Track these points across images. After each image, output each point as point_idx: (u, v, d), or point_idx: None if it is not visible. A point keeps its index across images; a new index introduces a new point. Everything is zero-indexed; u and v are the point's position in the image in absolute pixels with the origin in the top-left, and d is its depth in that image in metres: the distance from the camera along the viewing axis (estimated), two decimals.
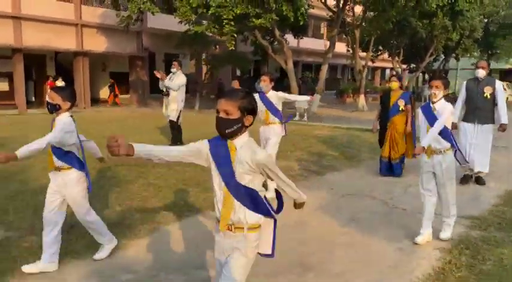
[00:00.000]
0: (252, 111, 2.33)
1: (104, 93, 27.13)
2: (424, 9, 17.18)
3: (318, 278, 3.60)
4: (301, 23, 16.11)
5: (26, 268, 3.61)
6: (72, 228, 4.36)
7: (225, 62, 24.19)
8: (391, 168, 7.36)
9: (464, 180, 6.88)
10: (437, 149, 4.25)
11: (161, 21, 23.76)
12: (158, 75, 9.21)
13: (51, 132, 3.53)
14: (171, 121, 9.44)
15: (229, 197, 2.29)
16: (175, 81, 9.18)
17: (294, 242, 4.34)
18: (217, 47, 25.33)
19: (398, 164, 7.32)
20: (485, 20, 28.64)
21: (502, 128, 6.61)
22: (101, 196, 5.57)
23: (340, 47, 42.76)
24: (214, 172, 2.34)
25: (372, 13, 21.06)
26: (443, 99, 4.28)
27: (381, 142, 7.55)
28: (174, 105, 9.28)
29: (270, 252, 2.49)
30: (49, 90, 3.79)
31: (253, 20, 13.91)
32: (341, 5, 18.13)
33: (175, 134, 9.51)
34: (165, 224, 4.80)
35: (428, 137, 4.15)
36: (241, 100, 2.29)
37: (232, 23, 13.88)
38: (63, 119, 3.63)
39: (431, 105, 4.32)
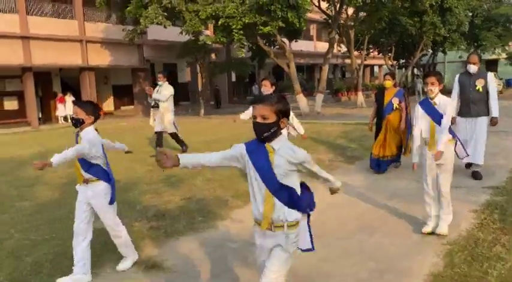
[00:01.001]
0: (286, 113, 2.45)
1: (108, 105, 27.83)
2: (416, 8, 18.22)
3: (375, 237, 4.48)
4: (304, 28, 17.05)
5: (61, 280, 3.69)
6: (98, 239, 4.37)
7: (226, 68, 25.09)
8: (378, 165, 7.36)
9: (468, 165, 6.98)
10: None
11: (161, 32, 24.54)
12: (148, 91, 9.48)
13: (80, 144, 3.69)
14: (169, 133, 9.65)
15: (270, 196, 2.38)
16: (163, 92, 9.31)
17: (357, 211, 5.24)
18: (216, 54, 26.17)
19: (388, 162, 7.38)
20: (470, 14, 29.88)
21: (493, 121, 6.67)
22: (189, 185, 6.42)
23: (326, 47, 44.05)
24: (253, 174, 2.43)
25: (363, 13, 22.12)
26: (440, 94, 4.45)
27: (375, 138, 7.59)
28: (168, 117, 9.44)
29: (310, 246, 2.63)
30: (72, 106, 3.99)
31: (261, 28, 14.85)
32: (337, 8, 19.09)
33: (177, 141, 9.78)
34: (236, 208, 5.66)
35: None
36: (277, 104, 2.40)
37: (241, 31, 14.80)
38: (89, 131, 3.78)
39: (430, 100, 4.45)
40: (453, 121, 5.93)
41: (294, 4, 14.26)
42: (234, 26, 14.73)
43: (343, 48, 30.55)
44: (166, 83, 9.53)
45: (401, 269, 3.67)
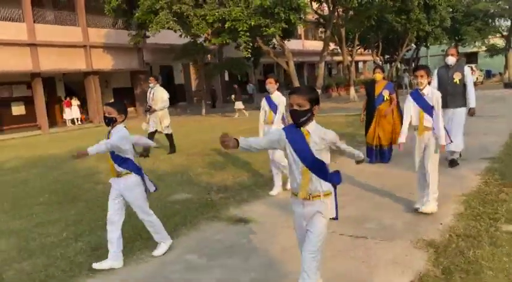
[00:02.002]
0: (317, 101, 2.77)
1: None
2: (406, 7, 19.62)
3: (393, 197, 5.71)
4: (304, 28, 18.28)
5: (96, 265, 4.01)
6: (130, 228, 4.83)
7: (224, 68, 26.22)
8: (381, 155, 7.69)
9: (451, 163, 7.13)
10: (428, 127, 4.90)
11: (160, 36, 25.53)
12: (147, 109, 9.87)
13: (111, 139, 4.00)
14: (166, 135, 10.00)
15: (306, 171, 2.75)
16: (161, 95, 9.70)
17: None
18: (213, 55, 27.23)
19: (388, 150, 7.72)
20: (451, 10, 31.52)
21: (471, 112, 7.04)
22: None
23: (317, 45, 45.48)
24: (291, 153, 2.78)
25: (351, 12, 23.44)
26: (428, 86, 4.91)
27: (367, 130, 7.87)
28: (167, 121, 9.84)
29: (335, 215, 2.91)
30: (104, 106, 4.29)
31: (266, 29, 16.05)
32: (331, 8, 20.39)
33: (171, 144, 10.15)
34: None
35: (442, 133, 4.83)
36: (309, 94, 2.75)
37: (247, 33, 15.98)
38: (120, 128, 4.08)
39: (419, 91, 4.91)
40: (472, 113, 6.95)
41: (296, 7, 15.48)
42: (240, 28, 15.89)
43: (331, 46, 31.94)
44: (158, 85, 9.86)
45: (429, 216, 4.86)
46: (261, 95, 31.41)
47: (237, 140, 2.66)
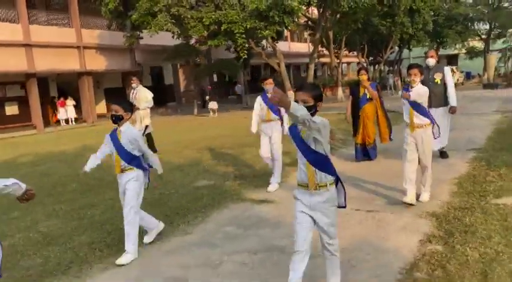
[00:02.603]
0: (321, 98, 2.91)
1: (100, 108, 29.01)
2: (392, 11, 20.56)
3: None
4: (295, 30, 19.03)
5: (146, 239, 4.49)
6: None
7: (216, 69, 26.83)
8: (366, 154, 7.96)
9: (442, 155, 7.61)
10: (419, 124, 5.11)
11: (153, 37, 26.06)
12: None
13: (145, 147, 4.34)
14: (145, 134, 9.69)
15: (309, 164, 2.91)
16: (144, 95, 9.83)
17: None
18: (204, 56, 27.77)
19: (373, 149, 7.98)
20: (432, 13, 32.74)
21: (452, 110, 7.35)
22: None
23: (303, 47, 46.44)
24: (296, 148, 3.01)
25: (339, 15, 24.28)
26: (420, 84, 5.17)
27: (355, 130, 8.08)
28: (147, 121, 9.91)
29: (344, 204, 3.07)
30: (111, 105, 4.39)
31: (261, 32, 16.75)
32: (320, 12, 21.23)
33: (151, 144, 9.89)
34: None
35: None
36: (314, 91, 2.90)
37: (243, 35, 16.66)
38: (129, 127, 4.31)
39: (410, 89, 5.13)
40: (454, 111, 7.23)
41: (289, 10, 16.23)
42: (236, 31, 16.56)
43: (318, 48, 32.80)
44: (141, 86, 9.98)
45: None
46: (250, 95, 32.31)
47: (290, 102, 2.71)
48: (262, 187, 6.53)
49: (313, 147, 2.88)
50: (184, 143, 11.38)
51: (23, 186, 2.72)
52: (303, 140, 2.91)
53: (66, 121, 24.44)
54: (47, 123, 25.07)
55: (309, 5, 19.21)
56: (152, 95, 10.02)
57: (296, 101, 2.83)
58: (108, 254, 4.33)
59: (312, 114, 2.81)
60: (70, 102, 24.14)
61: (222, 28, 16.72)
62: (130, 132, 4.24)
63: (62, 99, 24.26)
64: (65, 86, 26.64)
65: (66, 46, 23.56)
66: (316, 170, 2.91)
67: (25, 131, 21.67)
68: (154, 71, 32.62)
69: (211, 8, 17.30)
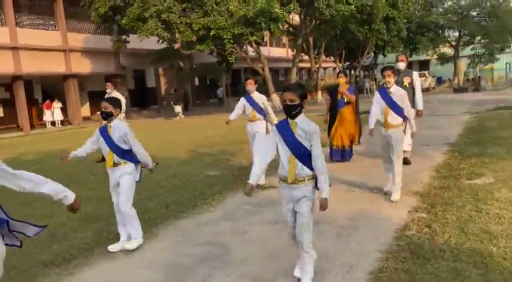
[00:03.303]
0: (306, 97, 3.20)
1: (84, 111, 29.29)
2: (370, 19, 21.77)
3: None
4: (281, 36, 19.96)
5: (112, 247, 4.42)
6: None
7: (199, 73, 27.56)
8: (343, 155, 8.16)
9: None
10: (392, 124, 5.40)
11: (136, 41, 26.61)
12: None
13: (135, 141, 4.43)
14: None
15: (293, 158, 3.17)
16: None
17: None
18: (187, 60, 28.46)
19: (350, 150, 8.25)
20: (406, 21, 34.34)
21: (419, 113, 7.41)
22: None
23: (281, 52, 47.57)
24: (280, 143, 3.21)
25: (318, 22, 25.38)
26: (395, 85, 5.44)
27: (330, 131, 8.24)
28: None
29: (327, 196, 3.18)
30: (101, 103, 4.55)
31: (249, 37, 17.63)
32: (302, 19, 22.28)
33: None
34: None
35: (412, 122, 5.62)
36: (299, 90, 3.18)
37: (231, 40, 17.50)
38: (119, 123, 4.48)
39: (387, 89, 5.40)
40: (420, 114, 7.31)
41: (275, 17, 17.15)
42: (225, 36, 17.39)
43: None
44: (115, 91, 9.86)
45: (412, 178, 6.55)
46: (232, 98, 33.12)
47: (252, 184, 3.22)
48: (267, 176, 7.32)
49: (301, 142, 3.18)
50: (179, 142, 12.12)
51: (72, 197, 2.88)
52: (294, 136, 3.18)
53: (52, 123, 24.68)
54: (32, 125, 25.30)
55: (289, 12, 20.19)
56: (125, 100, 9.81)
57: (284, 100, 3.18)
58: (149, 227, 5.07)
59: (299, 112, 3.19)
60: (57, 104, 24.43)
61: (211, 33, 17.50)
62: (120, 127, 4.43)
63: (48, 101, 24.50)
64: (49, 88, 26.87)
65: (52, 49, 23.91)
66: (297, 165, 3.17)
67: (11, 133, 21.87)
68: (136, 74, 33.08)
69: (200, 14, 18.08)
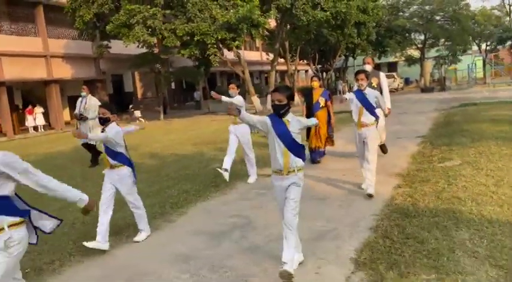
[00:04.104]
0: (293, 98, 3.55)
1: (65, 115, 29.52)
2: (343, 24, 23.08)
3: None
4: (262, 42, 20.98)
5: (87, 244, 4.46)
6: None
7: (179, 77, 28.27)
8: (320, 155, 8.38)
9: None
10: (365, 123, 5.73)
11: (115, 46, 27.09)
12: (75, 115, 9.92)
13: (105, 133, 4.54)
14: (90, 144, 9.62)
15: (287, 152, 3.49)
16: (92, 107, 9.60)
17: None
18: (169, 64, 29.19)
19: (321, 152, 8.43)
20: (374, 24, 36.03)
21: (387, 111, 7.37)
22: None
23: (255, 55, 48.67)
24: (274, 137, 3.51)
25: (293, 27, 26.56)
26: (368, 87, 5.82)
27: (308, 134, 8.36)
28: (98, 130, 10.48)
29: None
30: (99, 109, 4.76)
31: (231, 42, 18.59)
32: (279, 24, 23.40)
33: (94, 153, 9.94)
34: None
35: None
36: (287, 92, 3.54)
37: (215, 45, 18.42)
38: (113, 126, 4.62)
39: (361, 91, 5.76)
40: (388, 112, 7.36)
41: (256, 23, 18.18)
42: (208, 41, 18.29)
43: (271, 57, 35.04)
44: (90, 95, 10.03)
45: (392, 164, 7.65)
46: (210, 101, 33.92)
47: (239, 111, 3.40)
48: (266, 166, 8.27)
49: (295, 137, 3.54)
50: (177, 141, 12.95)
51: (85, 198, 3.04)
52: (290, 132, 3.52)
53: (35, 128, 24.93)
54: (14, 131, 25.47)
55: (269, 18, 21.27)
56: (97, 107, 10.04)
57: (273, 100, 3.51)
58: (178, 208, 5.96)
59: (286, 111, 3.52)
60: (39, 109, 24.71)
61: (195, 39, 18.37)
62: (111, 130, 4.58)
63: (30, 107, 24.76)
64: (29, 94, 27.06)
65: (33, 55, 24.19)
66: (290, 158, 3.50)
67: None
68: (114, 79, 33.50)
69: (184, 20, 18.92)
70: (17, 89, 26.54)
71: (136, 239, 4.78)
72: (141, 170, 8.87)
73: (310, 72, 48.47)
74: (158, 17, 18.50)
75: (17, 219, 2.65)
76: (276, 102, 3.49)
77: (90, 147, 9.76)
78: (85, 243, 4.47)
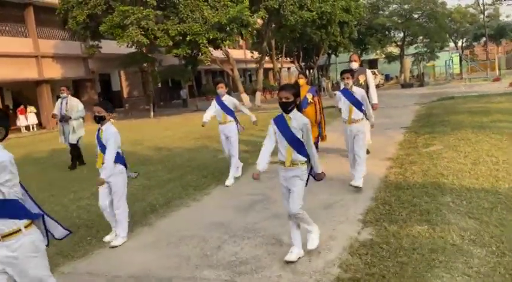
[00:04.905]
0: (298, 95, 3.78)
1: None
2: (327, 23, 24.12)
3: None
4: (250, 39, 21.88)
5: (114, 243, 4.64)
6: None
7: (168, 75, 28.94)
8: None
9: None
10: (355, 119, 5.98)
11: (104, 46, 27.57)
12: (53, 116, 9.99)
13: (113, 141, 4.56)
14: (74, 145, 9.80)
15: (289, 147, 3.76)
16: (73, 108, 9.59)
17: None
18: (159, 63, 29.75)
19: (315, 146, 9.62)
20: (356, 23, 37.29)
21: (374, 107, 7.80)
22: None
23: (239, 54, 49.44)
24: (278, 134, 3.83)
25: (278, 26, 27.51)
26: (354, 86, 6.08)
27: None
28: (81, 132, 9.81)
29: (316, 175, 3.97)
30: (94, 107, 4.70)
31: (223, 42, 19.41)
32: (266, 24, 24.30)
33: (77, 155, 9.97)
34: None
35: (371, 116, 6.30)
36: (293, 90, 3.80)
37: (207, 45, 19.21)
38: (110, 126, 4.64)
39: (348, 90, 5.97)
40: (375, 107, 7.83)
41: (246, 23, 19.04)
42: (200, 41, 19.07)
43: (255, 55, 35.93)
44: (70, 95, 9.85)
45: (382, 151, 8.60)
46: (195, 99, 34.62)
47: (258, 171, 3.83)
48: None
49: (295, 133, 3.78)
50: (175, 136, 13.71)
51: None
52: (290, 129, 3.77)
53: (27, 128, 25.30)
54: None
55: (260, 18, 22.13)
56: (82, 105, 9.91)
57: (280, 98, 3.75)
58: (201, 190, 6.80)
59: (292, 108, 3.76)
60: (30, 109, 25.11)
61: (188, 39, 19.12)
62: (108, 131, 4.63)
63: (22, 107, 25.14)
64: (19, 94, 27.38)
65: (24, 55, 24.55)
66: (292, 152, 3.76)
67: None
68: (102, 78, 33.89)
69: (176, 21, 19.64)
70: (7, 89, 26.84)
71: (113, 243, 4.74)
72: (153, 160, 9.73)
73: (293, 69, 49.69)
74: (151, 18, 19.18)
75: (29, 221, 2.69)
76: (284, 100, 3.75)
77: (75, 149, 9.86)
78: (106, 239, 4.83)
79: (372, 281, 3.30)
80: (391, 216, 4.64)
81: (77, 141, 9.79)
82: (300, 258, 3.88)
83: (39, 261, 2.66)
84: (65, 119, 9.64)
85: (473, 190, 5.17)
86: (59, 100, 9.76)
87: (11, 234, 2.56)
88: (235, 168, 7.24)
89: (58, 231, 2.94)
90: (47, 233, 2.85)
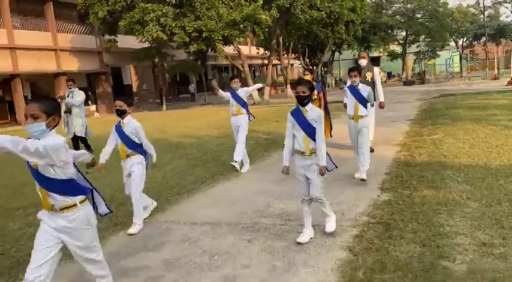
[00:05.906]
0: (313, 89, 4.16)
1: None
2: (335, 22, 25.23)
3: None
4: (260, 37, 23.03)
5: (131, 231, 4.87)
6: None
7: (180, 70, 30.05)
8: None
9: None
10: (361, 115, 6.24)
11: (118, 41, 28.63)
12: (59, 97, 10.07)
13: (144, 137, 4.91)
14: (79, 137, 10.07)
15: (306, 137, 4.08)
16: (76, 97, 9.88)
17: None
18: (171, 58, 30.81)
19: None
20: (360, 21, 38.36)
21: (381, 105, 8.26)
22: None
23: (245, 50, 50.40)
24: (296, 126, 4.14)
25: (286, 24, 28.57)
26: (360, 82, 6.30)
27: None
28: (79, 121, 9.95)
29: (333, 167, 4.37)
30: (116, 101, 4.89)
31: (237, 38, 20.51)
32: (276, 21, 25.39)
33: (86, 146, 10.13)
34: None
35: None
36: (309, 85, 4.14)
37: (222, 41, 20.33)
38: (132, 119, 4.84)
39: (355, 87, 6.22)
40: (382, 106, 8.31)
41: (259, 21, 20.16)
42: (216, 38, 20.19)
43: (261, 51, 36.98)
44: (77, 89, 10.19)
45: (391, 138, 9.76)
46: (201, 93, 35.73)
47: (286, 166, 4.26)
48: (277, 148, 10.28)
49: (312, 124, 4.12)
50: (199, 126, 14.85)
51: (91, 155, 3.41)
52: (307, 120, 4.12)
53: None
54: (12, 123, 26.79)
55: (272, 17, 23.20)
56: (83, 97, 10.24)
57: (297, 92, 4.11)
58: (227, 173, 7.95)
59: (308, 101, 4.11)
60: None
61: (203, 35, 20.23)
62: (132, 124, 4.85)
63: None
64: (36, 86, 28.46)
65: (44, 49, 25.63)
66: (310, 142, 4.09)
67: (8, 127, 23.48)
68: (113, 72, 34.97)
69: (192, 18, 20.74)
70: (27, 80, 27.90)
71: (130, 230, 4.92)
72: (185, 146, 10.86)
73: (296, 65, 50.80)
74: (169, 15, 20.27)
75: (83, 197, 3.00)
76: (301, 94, 4.09)
77: (81, 140, 10.26)
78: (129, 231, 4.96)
79: (393, 223, 4.47)
80: (403, 184, 5.81)
81: (85, 133, 10.22)
82: (311, 238, 4.34)
83: (90, 233, 3.02)
84: (70, 111, 10.00)
85: (469, 166, 6.34)
86: (67, 93, 10.14)
87: (67, 207, 2.90)
88: (239, 154, 7.60)
89: (102, 208, 3.26)
90: (94, 206, 3.17)
